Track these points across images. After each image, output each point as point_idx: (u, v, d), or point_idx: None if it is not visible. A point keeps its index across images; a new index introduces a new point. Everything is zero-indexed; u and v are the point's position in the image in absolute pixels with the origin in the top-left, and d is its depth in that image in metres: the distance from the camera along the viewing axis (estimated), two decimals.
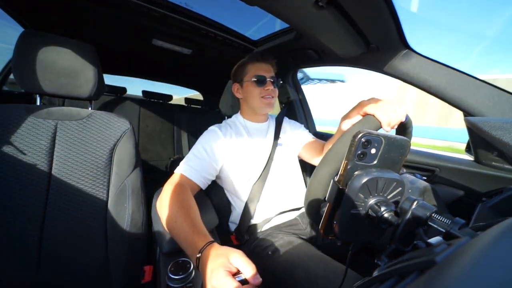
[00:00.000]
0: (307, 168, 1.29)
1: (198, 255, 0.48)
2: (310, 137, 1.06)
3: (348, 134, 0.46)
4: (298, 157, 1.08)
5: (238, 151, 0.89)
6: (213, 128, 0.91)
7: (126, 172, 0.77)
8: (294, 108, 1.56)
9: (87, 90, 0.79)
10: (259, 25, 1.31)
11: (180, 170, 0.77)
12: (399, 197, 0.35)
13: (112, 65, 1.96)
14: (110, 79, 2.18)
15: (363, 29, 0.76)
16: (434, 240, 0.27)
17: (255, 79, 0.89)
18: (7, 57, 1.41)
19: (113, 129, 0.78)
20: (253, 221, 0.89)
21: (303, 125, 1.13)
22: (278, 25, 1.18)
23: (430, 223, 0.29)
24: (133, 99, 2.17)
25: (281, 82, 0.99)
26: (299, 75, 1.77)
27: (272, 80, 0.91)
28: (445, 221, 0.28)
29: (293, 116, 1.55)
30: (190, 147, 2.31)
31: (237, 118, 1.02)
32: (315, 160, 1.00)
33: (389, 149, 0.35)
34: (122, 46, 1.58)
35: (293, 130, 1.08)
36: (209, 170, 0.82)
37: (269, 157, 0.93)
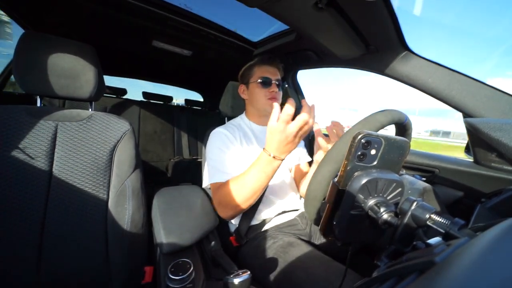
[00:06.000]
0: None
1: (271, 155, 0.66)
2: (304, 160, 1.05)
3: (348, 135, 0.47)
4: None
5: (244, 153, 0.89)
6: (219, 130, 0.92)
7: (126, 173, 0.77)
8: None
9: (88, 91, 0.79)
10: (259, 27, 1.31)
11: (213, 179, 0.81)
12: (399, 198, 0.35)
13: (112, 67, 1.96)
14: (111, 82, 2.19)
15: (362, 30, 0.77)
16: (433, 240, 0.27)
17: (261, 81, 0.91)
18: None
19: (113, 130, 0.78)
20: (253, 222, 0.89)
21: (303, 142, 1.12)
22: (278, 26, 1.18)
23: (429, 223, 0.29)
24: (134, 101, 2.18)
25: (286, 86, 0.99)
26: None
27: (277, 83, 0.93)
28: (444, 221, 0.28)
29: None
30: (190, 148, 2.33)
31: (242, 119, 1.02)
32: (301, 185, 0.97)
33: (389, 150, 0.35)
34: (122, 48, 1.58)
35: None
36: (233, 166, 0.84)
37: None
